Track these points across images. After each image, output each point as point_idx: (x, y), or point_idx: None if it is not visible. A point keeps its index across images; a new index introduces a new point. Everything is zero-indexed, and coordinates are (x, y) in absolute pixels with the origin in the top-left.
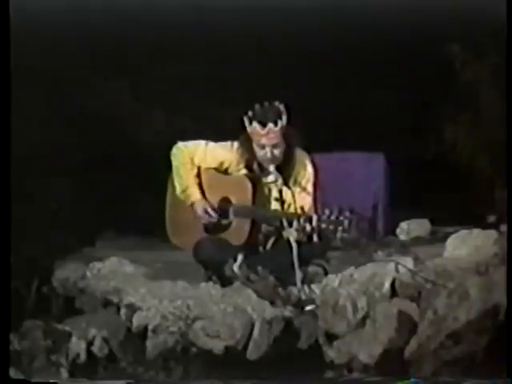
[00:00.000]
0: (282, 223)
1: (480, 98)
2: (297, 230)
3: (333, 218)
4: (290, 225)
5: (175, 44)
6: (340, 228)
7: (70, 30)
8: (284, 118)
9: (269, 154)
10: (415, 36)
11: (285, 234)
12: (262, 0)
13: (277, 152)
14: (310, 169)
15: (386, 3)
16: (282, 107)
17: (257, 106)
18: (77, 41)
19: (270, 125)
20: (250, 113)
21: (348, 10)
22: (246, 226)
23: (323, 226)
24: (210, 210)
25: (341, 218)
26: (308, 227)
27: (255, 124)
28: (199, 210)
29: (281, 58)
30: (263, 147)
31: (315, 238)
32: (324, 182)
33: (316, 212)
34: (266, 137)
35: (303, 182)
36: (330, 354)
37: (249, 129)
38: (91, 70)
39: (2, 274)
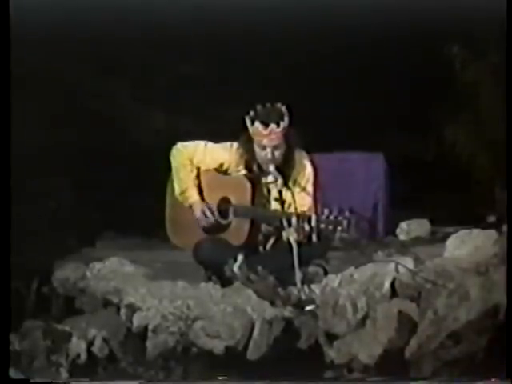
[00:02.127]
0: (281, 223)
1: (480, 98)
2: (296, 231)
3: (331, 218)
4: (290, 225)
5: (175, 44)
6: (339, 228)
7: (70, 30)
8: (286, 119)
9: (269, 155)
10: (415, 36)
11: (285, 234)
12: (262, 0)
13: (277, 153)
14: (309, 169)
15: (386, 3)
16: (284, 109)
17: (259, 107)
18: (77, 40)
19: (272, 125)
20: (251, 113)
21: (348, 10)
22: (246, 226)
23: (322, 226)
24: (207, 211)
25: (339, 218)
26: (307, 227)
27: (257, 124)
28: (197, 212)
29: (281, 58)
30: (264, 148)
31: (314, 239)
32: (324, 182)
33: (315, 212)
34: (268, 137)
35: (303, 183)
36: (330, 354)
37: (250, 129)
38: (91, 70)
39: (2, 273)
